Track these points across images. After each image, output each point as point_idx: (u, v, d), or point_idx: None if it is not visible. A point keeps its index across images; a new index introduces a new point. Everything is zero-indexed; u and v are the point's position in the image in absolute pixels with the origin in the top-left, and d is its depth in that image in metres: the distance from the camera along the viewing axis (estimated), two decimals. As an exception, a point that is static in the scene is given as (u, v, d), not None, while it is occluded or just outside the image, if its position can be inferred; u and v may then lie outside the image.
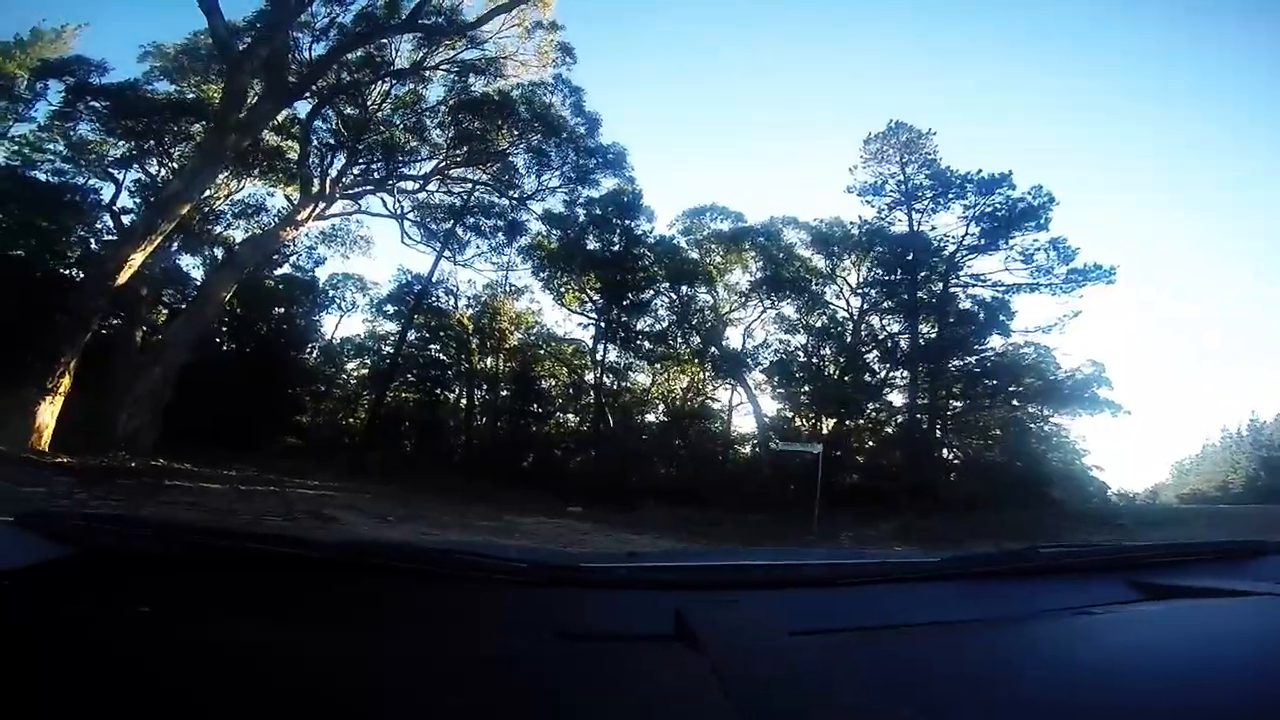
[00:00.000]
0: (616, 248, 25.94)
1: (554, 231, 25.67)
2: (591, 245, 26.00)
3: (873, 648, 1.10)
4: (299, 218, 17.61)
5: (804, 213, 31.30)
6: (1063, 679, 0.98)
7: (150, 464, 11.64)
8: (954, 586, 1.51)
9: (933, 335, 24.98)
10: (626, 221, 25.81)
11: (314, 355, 35.55)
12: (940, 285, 24.35)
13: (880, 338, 26.23)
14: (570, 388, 31.25)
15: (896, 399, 26.58)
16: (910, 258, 24.78)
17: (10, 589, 1.00)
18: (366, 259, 29.75)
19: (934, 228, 25.01)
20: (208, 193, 18.01)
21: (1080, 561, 1.75)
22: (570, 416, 30.54)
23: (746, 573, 1.59)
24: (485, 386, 32.68)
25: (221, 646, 0.88)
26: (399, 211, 22.90)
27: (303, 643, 0.92)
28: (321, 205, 18.03)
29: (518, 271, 28.91)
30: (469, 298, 32.12)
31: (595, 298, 28.19)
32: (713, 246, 27.74)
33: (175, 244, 19.62)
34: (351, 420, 37.67)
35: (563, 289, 27.76)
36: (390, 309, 34.36)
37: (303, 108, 18.71)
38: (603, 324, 27.39)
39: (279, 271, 30.02)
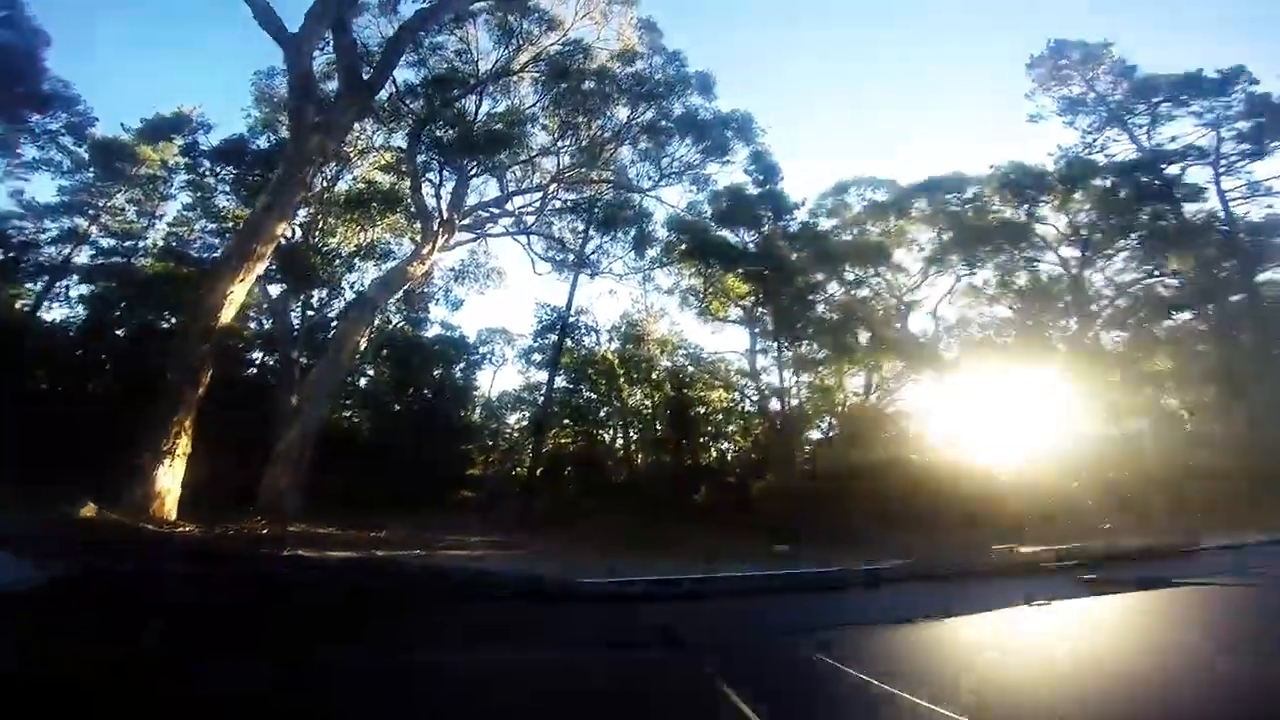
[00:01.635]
0: (763, 231, 22.38)
1: (684, 230, 22.43)
2: (732, 239, 22.55)
3: (853, 645, 1.14)
4: (424, 252, 16.36)
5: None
6: (1023, 669, 1.06)
7: (287, 529, 9.98)
8: (924, 587, 1.61)
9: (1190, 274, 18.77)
10: (769, 195, 22.11)
11: (477, 411, 35.31)
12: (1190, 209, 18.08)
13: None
14: (732, 408, 27.76)
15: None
16: (1145, 181, 18.92)
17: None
18: (501, 291, 28.79)
19: (1159, 145, 19.03)
20: (333, 240, 17.39)
21: (1031, 562, 1.84)
22: (738, 440, 27.01)
23: (724, 583, 1.67)
24: (639, 419, 30.09)
25: (208, 668, 0.87)
26: (524, 227, 21.20)
27: (312, 665, 0.92)
28: (444, 237, 16.64)
29: (655, 282, 26.10)
30: (611, 329, 30.10)
31: (744, 301, 24.74)
32: (868, 224, 23.35)
33: (317, 297, 19.26)
34: (518, 470, 37.69)
35: (705, 294, 24.44)
36: (536, 357, 33.86)
37: (402, 139, 17.64)
38: (757, 329, 23.73)
39: (429, 334, 29.73)
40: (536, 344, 30.74)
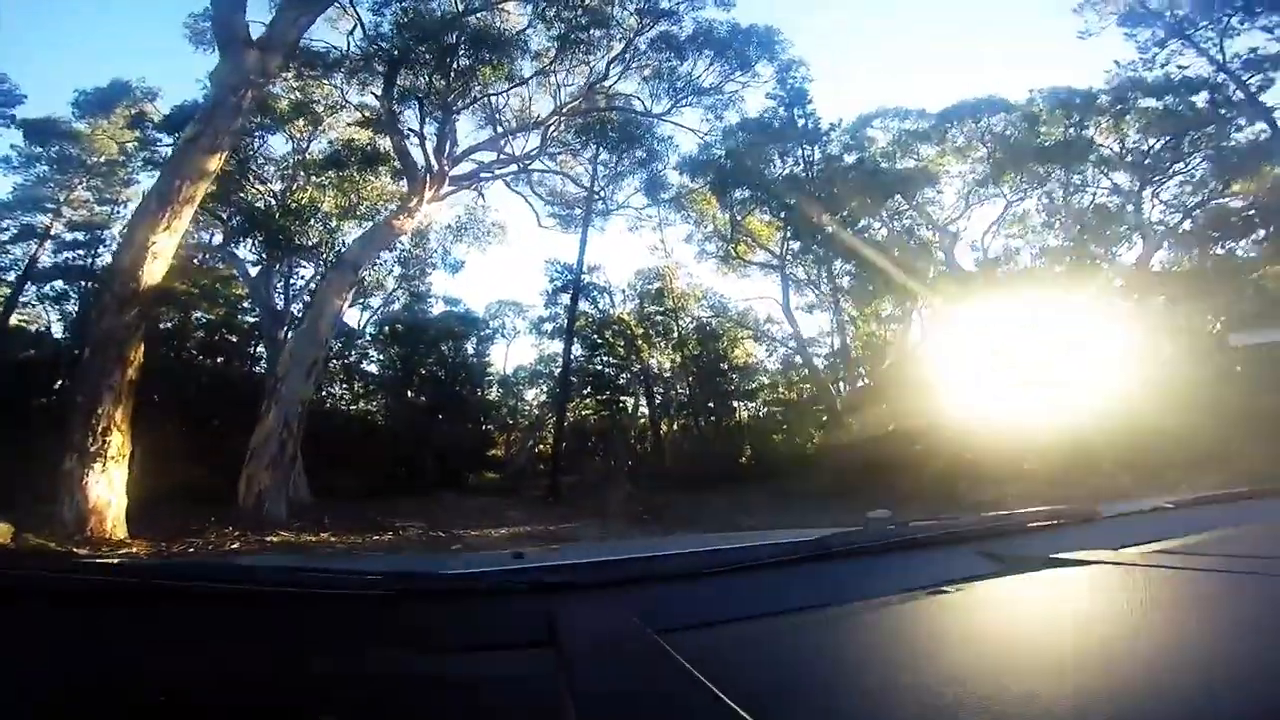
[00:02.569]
0: (797, 159, 19.69)
1: (705, 163, 19.73)
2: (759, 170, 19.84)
3: (739, 638, 1.04)
4: (410, 205, 13.94)
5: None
6: (926, 655, 0.97)
7: (265, 540, 7.82)
8: (818, 568, 1.44)
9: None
10: (798, 121, 19.37)
11: (493, 389, 33.11)
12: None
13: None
14: (760, 364, 25.36)
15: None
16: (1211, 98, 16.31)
17: None
18: (504, 248, 25.46)
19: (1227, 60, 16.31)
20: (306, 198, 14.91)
21: (936, 536, 1.69)
22: (783, 393, 24.60)
23: (615, 570, 1.44)
24: (662, 382, 27.84)
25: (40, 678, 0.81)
26: (524, 169, 18.55)
27: (144, 672, 0.86)
28: (434, 189, 14.27)
29: (673, 225, 23.41)
30: (627, 287, 27.62)
31: (771, 243, 22.11)
32: (899, 156, 20.55)
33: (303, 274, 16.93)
34: (539, 447, 36.02)
35: (731, 235, 21.84)
36: (549, 326, 31.73)
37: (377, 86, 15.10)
38: (790, 273, 21.18)
39: (435, 311, 27.53)
40: (548, 312, 28.46)
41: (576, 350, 26.48)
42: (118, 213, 20.31)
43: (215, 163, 9.36)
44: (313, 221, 16.14)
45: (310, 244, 16.23)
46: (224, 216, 17.09)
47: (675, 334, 26.20)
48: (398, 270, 22.17)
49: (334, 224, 16.80)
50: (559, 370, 33.68)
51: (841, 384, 21.06)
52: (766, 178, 19.74)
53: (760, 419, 23.91)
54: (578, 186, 20.43)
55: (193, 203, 8.85)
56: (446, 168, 15.11)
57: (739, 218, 21.47)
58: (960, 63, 53.06)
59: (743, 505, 15.72)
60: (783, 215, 19.91)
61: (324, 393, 25.37)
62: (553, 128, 17.51)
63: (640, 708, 0.79)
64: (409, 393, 28.28)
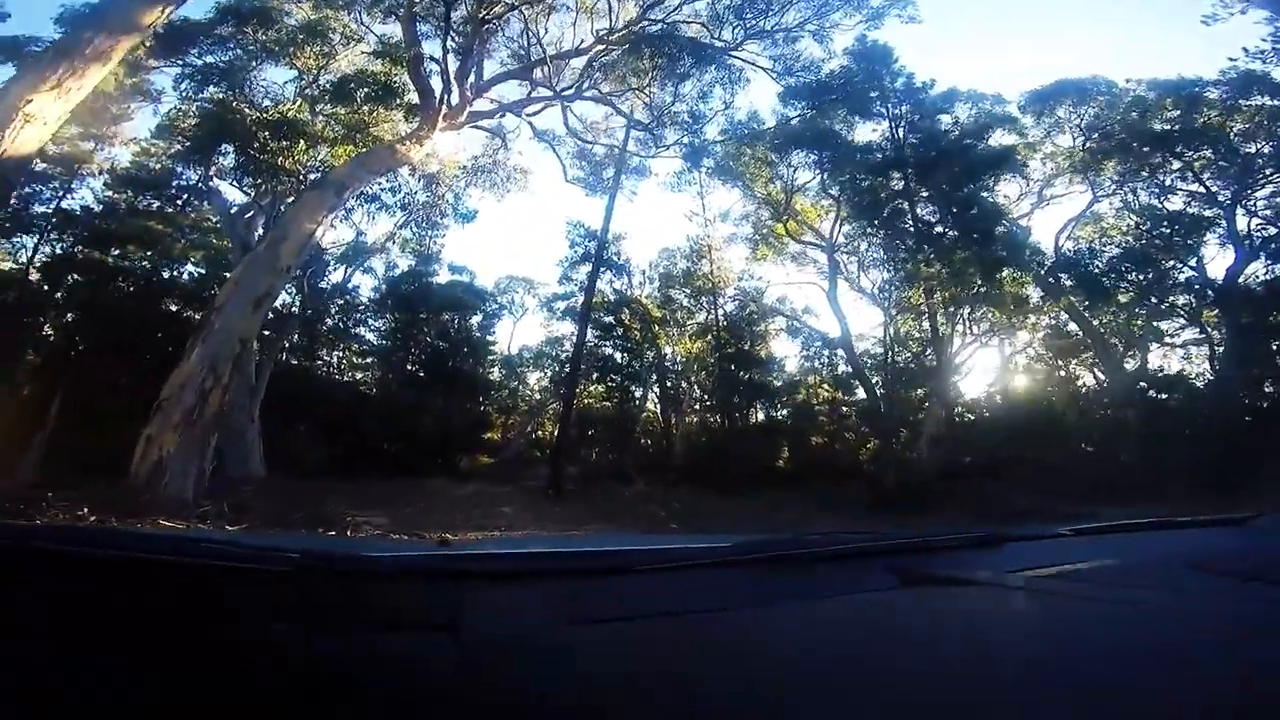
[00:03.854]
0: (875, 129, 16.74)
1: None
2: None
3: (649, 634, 1.04)
4: (420, 132, 11.07)
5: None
6: (827, 660, 0.98)
7: (136, 527, 4.93)
8: (733, 573, 1.44)
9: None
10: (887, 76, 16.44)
11: (494, 368, 30.10)
12: None
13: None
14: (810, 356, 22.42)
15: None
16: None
17: None
18: (523, 197, 21.85)
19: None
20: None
21: (847, 550, 1.67)
22: (824, 390, 21.69)
23: (527, 562, 1.44)
24: (677, 375, 24.89)
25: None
26: (557, 94, 15.48)
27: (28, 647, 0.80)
28: (447, 120, 11.45)
29: (715, 194, 20.36)
30: (649, 268, 24.63)
31: (817, 223, 19.19)
32: (979, 133, 17.55)
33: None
34: (538, 434, 33.05)
35: (781, 210, 18.85)
36: (560, 305, 28.93)
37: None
38: (846, 258, 18.29)
39: (441, 280, 24.64)
40: (563, 289, 25.59)
41: (590, 333, 23.63)
42: (101, 148, 17.30)
43: (152, 15, 6.53)
44: (302, 144, 13.18)
45: (296, 168, 13.23)
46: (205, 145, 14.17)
47: (700, 320, 23.20)
48: (401, 218, 18.89)
49: (328, 150, 13.79)
50: (568, 351, 31.36)
51: (894, 386, 18.14)
52: (838, 141, 16.74)
53: (797, 419, 20.87)
54: (621, 118, 17.26)
55: (105, 61, 6.09)
56: (469, 94, 12.23)
57: (795, 185, 18.46)
58: (1037, 47, 49.15)
59: (777, 512, 12.99)
60: (843, 189, 16.98)
61: (317, 358, 22.59)
62: (597, 56, 14.51)
63: (540, 695, 0.77)
64: (407, 365, 25.29)
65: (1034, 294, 17.25)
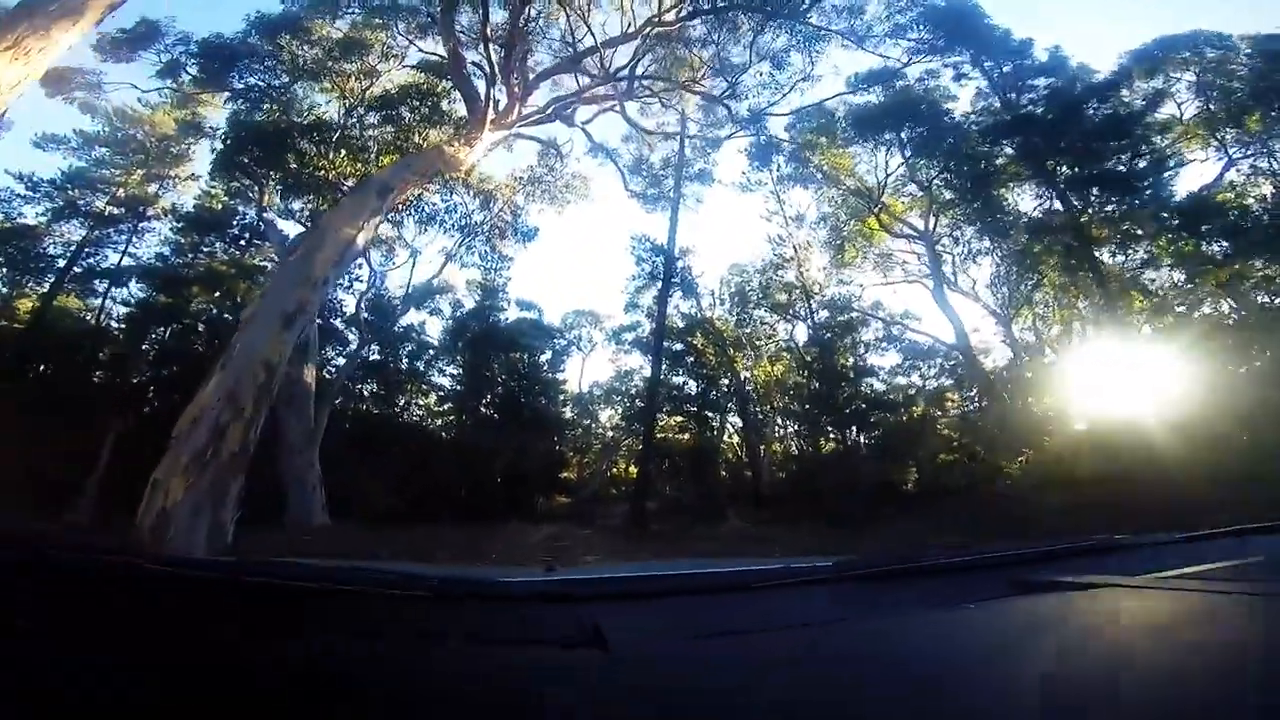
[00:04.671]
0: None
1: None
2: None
3: (774, 647, 1.07)
4: (469, 133, 9.96)
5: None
6: (952, 670, 0.97)
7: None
8: (848, 589, 1.45)
9: None
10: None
11: (566, 407, 28.86)
12: None
13: None
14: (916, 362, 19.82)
15: None
16: None
17: None
18: (583, 208, 20.17)
19: None
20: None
21: (964, 562, 1.66)
22: (945, 402, 19.05)
23: (654, 583, 1.49)
24: (762, 397, 22.68)
25: (102, 668, 0.80)
26: (618, 92, 14.17)
27: (216, 665, 0.84)
28: (493, 124, 10.28)
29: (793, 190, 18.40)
30: (720, 285, 22.81)
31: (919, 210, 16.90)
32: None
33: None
34: (612, 471, 30.98)
35: (879, 200, 16.67)
36: (628, 337, 27.55)
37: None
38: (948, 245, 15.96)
39: (506, 318, 24.49)
40: (630, 314, 24.08)
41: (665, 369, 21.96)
42: (166, 188, 17.50)
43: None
44: (343, 154, 12.44)
45: (340, 180, 12.46)
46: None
47: (782, 337, 21.07)
48: (457, 240, 17.96)
49: (373, 162, 13.03)
50: (638, 385, 29.91)
51: (1016, 395, 15.35)
52: (931, 113, 14.60)
53: (907, 437, 18.18)
54: (682, 121, 15.83)
55: (77, 19, 5.01)
56: (516, 90, 11.13)
57: (886, 171, 16.29)
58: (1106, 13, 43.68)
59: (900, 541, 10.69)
60: (943, 168, 14.74)
61: (390, 402, 22.01)
62: (650, 40, 13.21)
63: (682, 704, 0.80)
64: (479, 406, 24.35)
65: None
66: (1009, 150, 13.97)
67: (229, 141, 12.74)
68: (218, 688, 0.77)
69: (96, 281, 16.93)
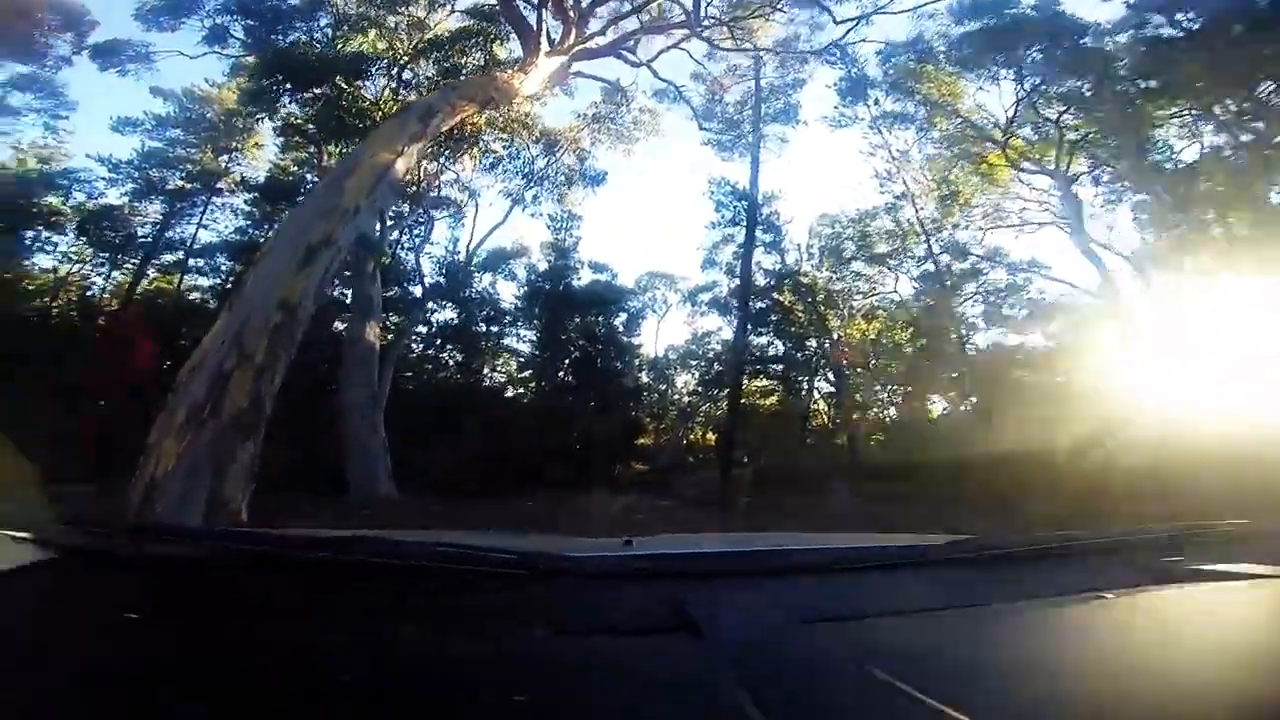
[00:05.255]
0: None
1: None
2: None
3: (885, 634, 0.97)
4: (524, 63, 8.51)
5: None
6: (1078, 663, 0.89)
7: None
8: (961, 571, 1.34)
9: None
10: None
11: (641, 371, 27.52)
12: None
13: None
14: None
15: None
16: None
17: None
18: (653, 144, 17.70)
19: None
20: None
21: (1086, 545, 1.51)
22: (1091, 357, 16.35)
23: (749, 560, 1.39)
24: (862, 353, 20.36)
25: (208, 647, 0.81)
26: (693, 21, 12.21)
27: (289, 642, 0.84)
28: (561, 43, 8.68)
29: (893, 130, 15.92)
30: (810, 236, 20.47)
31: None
32: None
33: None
34: (689, 438, 29.58)
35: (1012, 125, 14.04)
36: (704, 298, 25.75)
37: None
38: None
39: (580, 281, 23.44)
40: (707, 272, 22.23)
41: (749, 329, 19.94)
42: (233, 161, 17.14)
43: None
44: (389, 90, 11.15)
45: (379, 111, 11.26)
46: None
47: (886, 288, 18.61)
48: (521, 186, 16.55)
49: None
50: (718, 346, 28.19)
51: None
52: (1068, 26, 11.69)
53: (1043, 399, 15.45)
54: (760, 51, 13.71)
55: None
56: (572, 14, 9.50)
57: (1016, 96, 13.51)
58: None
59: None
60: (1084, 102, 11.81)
61: (469, 368, 21.45)
62: None
63: (816, 698, 0.73)
64: (555, 371, 23.37)
65: None
66: (1172, 74, 10.89)
67: (260, 69, 11.76)
68: (270, 678, 0.74)
69: (178, 256, 17.10)
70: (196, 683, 0.71)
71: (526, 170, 15.59)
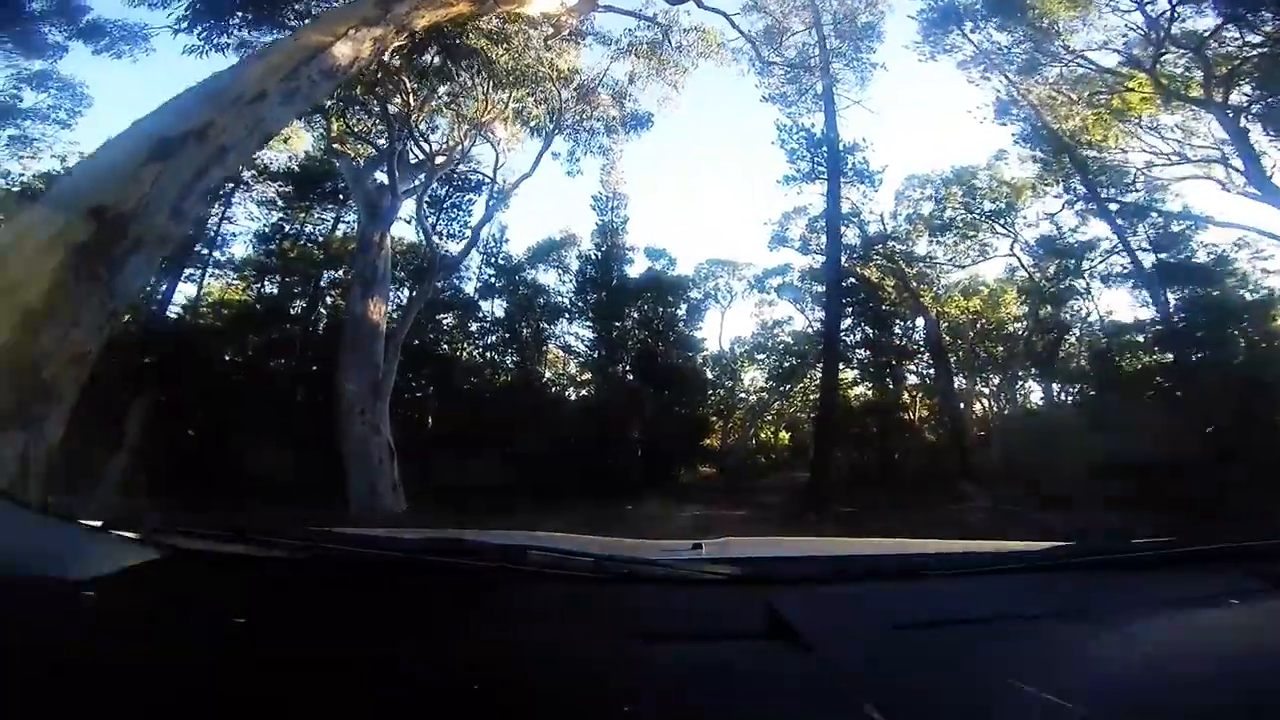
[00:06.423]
0: None
1: None
2: None
3: (985, 641, 0.92)
4: None
5: None
6: (1191, 676, 0.82)
7: None
8: (1062, 577, 1.25)
9: None
10: None
11: (705, 365, 24.64)
12: None
13: None
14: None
15: None
16: None
17: (103, 593, 0.92)
18: (703, 72, 14.14)
19: None
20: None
21: (1200, 552, 1.36)
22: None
23: (839, 565, 1.29)
24: (966, 338, 17.07)
25: (307, 649, 0.80)
26: None
27: (382, 644, 0.82)
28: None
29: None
30: (897, 202, 17.25)
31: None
32: None
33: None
34: (759, 437, 27.48)
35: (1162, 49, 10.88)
36: (774, 282, 22.92)
37: None
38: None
39: (633, 269, 21.04)
40: (775, 251, 19.36)
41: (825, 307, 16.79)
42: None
43: None
44: None
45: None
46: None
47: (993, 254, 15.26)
48: (550, 128, 13.81)
49: None
50: (785, 340, 25.30)
51: None
52: None
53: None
54: None
55: None
56: None
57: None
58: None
59: None
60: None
61: (523, 365, 19.43)
62: None
63: (944, 705, 0.71)
64: (609, 366, 20.92)
65: None
66: None
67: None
68: (357, 680, 0.71)
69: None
70: (290, 685, 0.69)
71: (552, 111, 12.70)
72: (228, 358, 13.76)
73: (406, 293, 15.29)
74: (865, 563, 1.29)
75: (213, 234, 14.79)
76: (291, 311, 15.57)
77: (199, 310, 14.87)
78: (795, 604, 0.92)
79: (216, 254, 15.54)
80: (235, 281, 16.18)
